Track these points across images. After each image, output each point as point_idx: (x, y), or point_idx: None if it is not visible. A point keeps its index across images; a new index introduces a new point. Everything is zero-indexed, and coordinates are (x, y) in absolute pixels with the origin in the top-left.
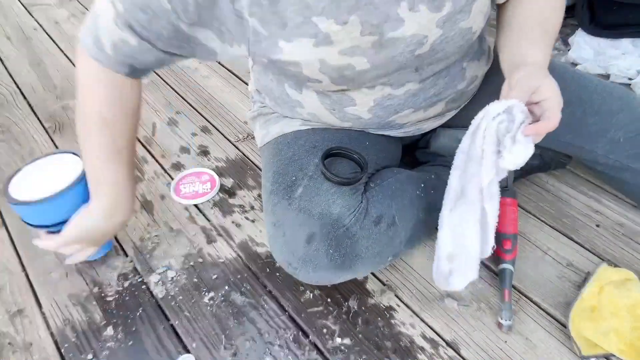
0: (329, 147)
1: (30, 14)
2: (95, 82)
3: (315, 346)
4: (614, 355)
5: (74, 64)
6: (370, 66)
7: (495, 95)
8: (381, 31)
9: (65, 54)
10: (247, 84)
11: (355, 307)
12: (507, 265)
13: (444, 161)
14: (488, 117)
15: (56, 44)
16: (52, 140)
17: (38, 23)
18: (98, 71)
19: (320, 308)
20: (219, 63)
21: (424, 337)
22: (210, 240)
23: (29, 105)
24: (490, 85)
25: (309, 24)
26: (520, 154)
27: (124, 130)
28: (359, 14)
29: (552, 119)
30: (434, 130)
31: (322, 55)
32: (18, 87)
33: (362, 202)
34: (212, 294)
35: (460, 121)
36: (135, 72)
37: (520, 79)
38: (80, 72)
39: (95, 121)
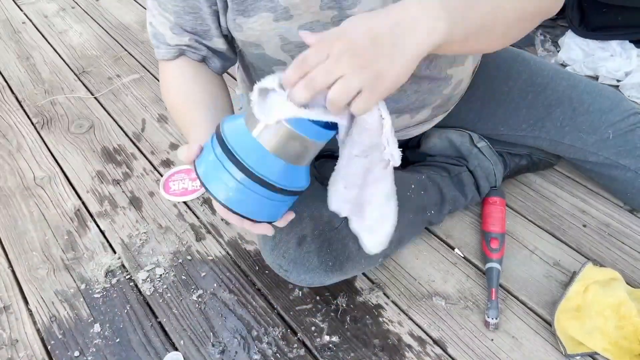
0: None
1: (19, 7)
2: (177, 69)
3: (304, 344)
4: (599, 354)
5: (63, 59)
6: None
7: (481, 98)
8: (340, 6)
9: (54, 49)
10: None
11: (344, 305)
12: (494, 264)
13: (435, 161)
14: None
15: (45, 39)
16: (40, 135)
17: (27, 17)
18: (177, 62)
19: (309, 306)
20: None
21: (412, 335)
22: (199, 238)
23: (17, 99)
24: (479, 87)
25: None
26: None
27: (219, 95)
28: None
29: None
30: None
31: (282, 30)
32: (6, 81)
33: None
34: (200, 291)
35: (450, 122)
36: (208, 60)
37: None
38: (165, 78)
39: (189, 95)
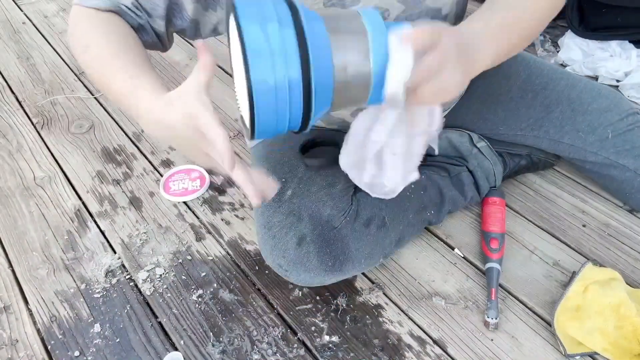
0: (306, 140)
1: (19, 7)
2: (92, 16)
3: (304, 344)
4: (598, 354)
5: (63, 59)
6: None
7: (481, 98)
8: (343, 3)
9: (54, 49)
10: None
11: (344, 305)
12: (494, 264)
13: (435, 161)
14: None
15: (45, 39)
16: (40, 136)
17: (27, 17)
18: (94, 11)
19: (309, 306)
20: None
21: (412, 335)
22: (199, 238)
23: (17, 99)
24: (478, 87)
25: None
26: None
27: (126, 32)
28: None
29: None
30: None
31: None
32: (6, 81)
33: (352, 204)
34: (200, 291)
35: (450, 121)
36: (144, 31)
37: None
38: (74, 19)
39: (105, 29)
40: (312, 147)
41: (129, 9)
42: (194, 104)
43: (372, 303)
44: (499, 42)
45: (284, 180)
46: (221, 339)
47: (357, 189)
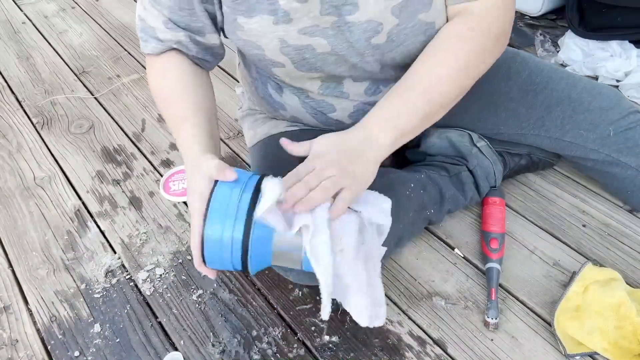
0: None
1: (19, 7)
2: (168, 63)
3: (304, 344)
4: (598, 354)
5: (63, 59)
6: (330, 49)
7: (481, 98)
8: (340, 12)
9: (54, 49)
10: (238, 80)
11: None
12: (494, 264)
13: (434, 160)
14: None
15: (45, 39)
16: (40, 136)
17: (27, 17)
18: (167, 56)
19: (309, 306)
20: None
21: (412, 335)
22: None
23: (17, 99)
24: (478, 87)
25: (269, 0)
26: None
27: (207, 94)
28: None
29: (312, 195)
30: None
31: (282, 33)
32: (6, 81)
33: None
34: (200, 291)
35: (450, 121)
36: (199, 59)
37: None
38: (155, 73)
39: (179, 89)
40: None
41: (182, 43)
42: (198, 188)
43: None
44: (397, 128)
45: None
46: (221, 339)
47: None
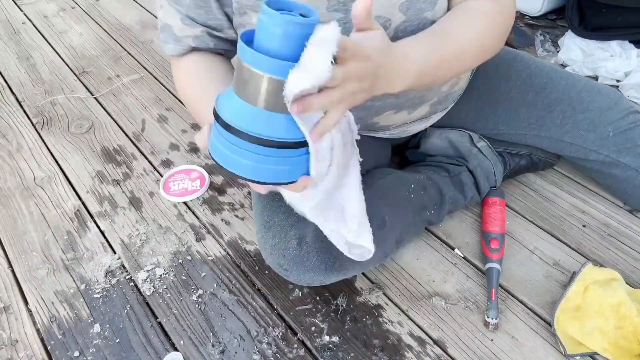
0: None
1: (19, 7)
2: (189, 64)
3: (304, 344)
4: (598, 354)
5: (63, 59)
6: None
7: (481, 98)
8: (347, 8)
9: (54, 49)
10: None
11: (344, 305)
12: (494, 265)
13: (435, 161)
14: None
15: (45, 39)
16: (40, 136)
17: (27, 17)
18: (187, 58)
19: (309, 306)
20: None
21: (412, 335)
22: (199, 238)
23: (17, 100)
24: (478, 87)
25: None
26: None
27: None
28: None
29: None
30: (424, 130)
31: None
32: (6, 81)
33: None
34: (200, 291)
35: (450, 121)
36: (218, 51)
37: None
38: (179, 75)
39: (202, 86)
40: None
41: (199, 38)
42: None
43: (372, 303)
44: (421, 79)
45: None
46: (221, 339)
47: None
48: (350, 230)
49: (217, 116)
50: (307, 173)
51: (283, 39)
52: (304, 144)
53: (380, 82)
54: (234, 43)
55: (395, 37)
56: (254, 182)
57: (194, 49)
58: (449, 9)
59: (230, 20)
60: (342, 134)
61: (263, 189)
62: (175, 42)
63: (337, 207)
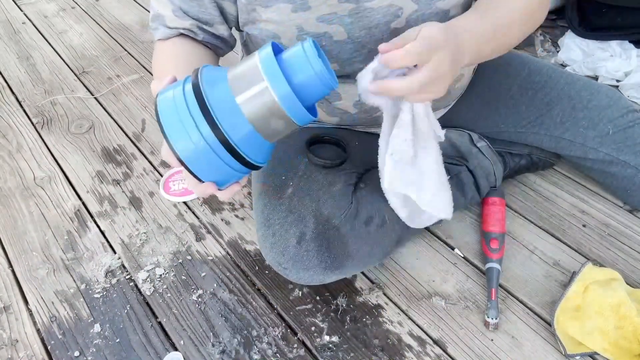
0: (312, 135)
1: (19, 7)
2: (173, 42)
3: (304, 344)
4: (598, 354)
5: (63, 59)
6: (347, 37)
7: (481, 96)
8: (358, 1)
9: (54, 49)
10: None
11: (344, 305)
12: (494, 264)
13: None
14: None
15: (45, 39)
16: (40, 136)
17: (27, 17)
18: (175, 40)
19: (309, 306)
20: None
21: (412, 335)
22: (199, 238)
23: (17, 100)
24: (478, 86)
25: None
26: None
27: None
28: None
29: (415, 76)
30: None
31: (300, 21)
32: (6, 81)
33: (352, 202)
34: (200, 291)
35: (450, 121)
36: (207, 44)
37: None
38: (158, 54)
39: (176, 52)
40: (314, 144)
41: (190, 30)
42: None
43: (372, 303)
44: (481, 47)
45: (284, 178)
46: (221, 339)
47: (357, 188)
48: (423, 198)
49: (198, 91)
50: (225, 184)
51: (309, 83)
52: (255, 167)
53: (455, 56)
54: (222, 39)
55: (407, 26)
56: (185, 166)
57: (182, 35)
58: None
59: (223, 15)
60: (425, 114)
61: (182, 171)
62: (165, 28)
63: (417, 180)
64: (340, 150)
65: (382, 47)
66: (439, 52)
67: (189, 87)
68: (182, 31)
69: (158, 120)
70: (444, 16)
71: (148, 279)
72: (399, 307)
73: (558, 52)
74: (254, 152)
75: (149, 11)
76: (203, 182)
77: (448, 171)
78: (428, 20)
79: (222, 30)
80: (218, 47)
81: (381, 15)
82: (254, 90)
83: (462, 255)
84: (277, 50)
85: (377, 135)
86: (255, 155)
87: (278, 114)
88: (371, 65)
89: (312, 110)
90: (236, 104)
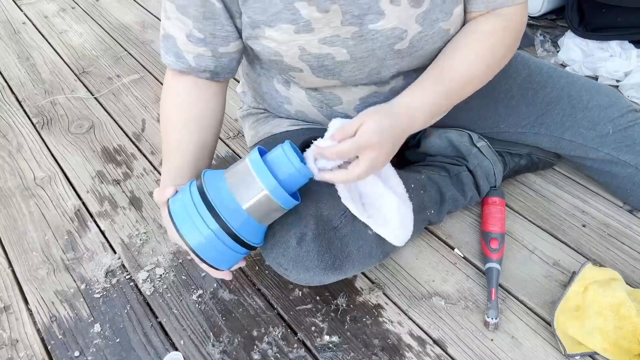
0: (304, 139)
1: (19, 8)
2: (182, 87)
3: (304, 344)
4: (598, 354)
5: (63, 59)
6: (349, 58)
7: (481, 96)
8: (361, 22)
9: (54, 49)
10: (238, 81)
11: (344, 305)
12: (494, 264)
13: (434, 161)
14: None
15: (45, 39)
16: (40, 136)
17: (27, 17)
18: (183, 79)
19: (309, 306)
20: None
21: (412, 335)
22: None
23: (17, 100)
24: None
25: (291, 9)
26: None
27: (210, 126)
28: (341, 4)
29: (352, 170)
30: (424, 130)
31: (302, 42)
32: (6, 81)
33: None
34: (200, 291)
35: (450, 121)
36: (217, 75)
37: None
38: (168, 90)
39: (183, 118)
40: (308, 146)
41: (199, 65)
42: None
43: (372, 303)
44: (434, 114)
45: None
46: (221, 339)
47: None
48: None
49: (203, 194)
50: (232, 265)
51: (291, 177)
52: (253, 248)
53: (396, 141)
54: (237, 59)
55: (411, 47)
56: (197, 256)
57: (193, 70)
58: (465, 18)
59: (238, 31)
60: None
61: (198, 261)
62: (176, 58)
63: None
64: None
65: (318, 142)
66: (370, 151)
67: (194, 190)
68: (192, 61)
69: (172, 221)
70: (446, 35)
71: (148, 279)
72: (399, 307)
73: (558, 52)
74: (252, 235)
75: (149, 11)
76: (214, 267)
77: (447, 171)
78: (431, 41)
79: (236, 46)
80: (227, 72)
81: (384, 38)
82: (248, 186)
83: (462, 255)
84: (262, 152)
85: None
86: (253, 238)
87: (269, 203)
88: (311, 152)
89: (295, 196)
90: (235, 199)
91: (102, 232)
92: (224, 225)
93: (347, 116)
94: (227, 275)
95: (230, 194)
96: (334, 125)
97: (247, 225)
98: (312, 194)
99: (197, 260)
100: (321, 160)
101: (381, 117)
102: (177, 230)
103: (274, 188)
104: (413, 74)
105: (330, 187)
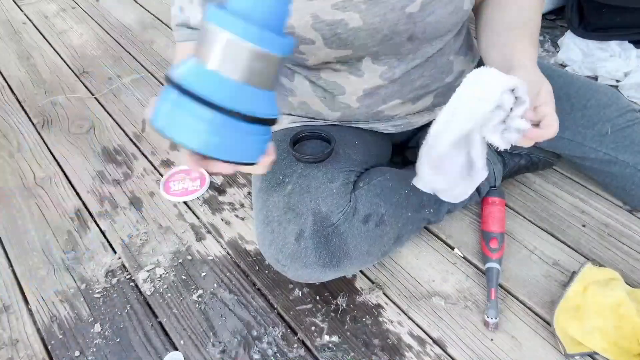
0: (295, 135)
1: (19, 8)
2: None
3: (304, 343)
4: (598, 354)
5: (63, 59)
6: (362, 23)
7: None
8: (347, 5)
9: (54, 49)
10: None
11: (344, 305)
12: (493, 264)
13: None
14: (495, 90)
15: (45, 39)
16: (40, 136)
17: (27, 17)
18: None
19: (309, 306)
20: None
21: (412, 334)
22: (199, 238)
23: (17, 100)
24: None
25: None
26: (506, 142)
27: None
28: None
29: (552, 126)
30: (424, 130)
31: (315, 9)
32: (6, 81)
33: (350, 200)
34: (200, 291)
35: None
36: None
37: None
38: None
39: None
40: (299, 142)
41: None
42: None
43: (372, 303)
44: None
45: (283, 176)
46: (221, 338)
47: (355, 186)
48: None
49: (178, 87)
50: (258, 156)
51: (261, 5)
52: (267, 121)
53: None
54: None
55: (421, 10)
56: (215, 159)
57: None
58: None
59: None
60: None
61: (227, 168)
62: (188, 30)
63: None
64: (323, 144)
65: (528, 134)
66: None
67: (167, 88)
68: (191, 20)
69: (162, 133)
70: (459, 9)
71: (148, 279)
72: (399, 307)
73: (558, 52)
74: (259, 106)
75: (149, 11)
76: (238, 162)
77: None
78: (442, 4)
79: None
80: None
81: (396, 0)
82: (216, 45)
83: (462, 255)
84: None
85: (376, 134)
86: (261, 108)
87: (238, 47)
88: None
89: (284, 36)
90: (209, 70)
91: (103, 232)
92: (217, 108)
93: (348, 107)
94: (261, 169)
95: (202, 68)
96: (505, 81)
97: (245, 96)
98: (311, 191)
99: (225, 167)
100: (515, 119)
101: (539, 72)
102: (176, 141)
103: (244, 30)
104: (416, 66)
105: (329, 185)
